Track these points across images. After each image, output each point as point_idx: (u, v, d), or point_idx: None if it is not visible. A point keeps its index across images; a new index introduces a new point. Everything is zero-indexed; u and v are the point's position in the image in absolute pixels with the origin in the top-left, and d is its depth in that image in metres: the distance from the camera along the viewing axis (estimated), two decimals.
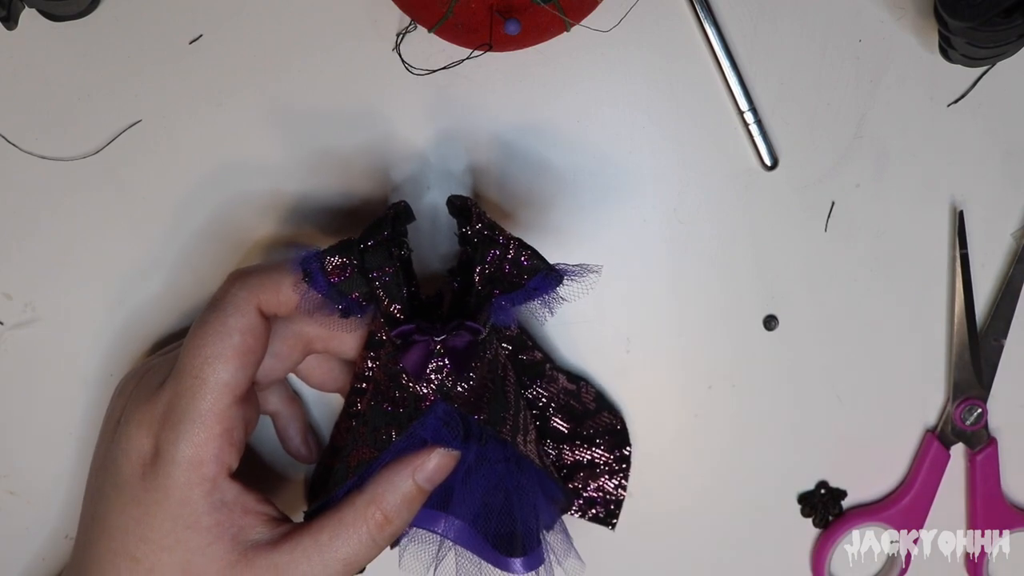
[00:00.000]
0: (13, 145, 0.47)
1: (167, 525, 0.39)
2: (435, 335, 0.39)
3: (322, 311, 0.40)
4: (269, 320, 0.41)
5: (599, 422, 0.48)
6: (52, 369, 0.49)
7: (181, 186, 0.48)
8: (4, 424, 0.49)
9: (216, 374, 0.39)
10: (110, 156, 0.47)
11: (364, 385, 0.44)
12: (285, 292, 0.40)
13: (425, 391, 0.40)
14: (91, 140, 0.47)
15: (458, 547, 0.42)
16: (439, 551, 0.43)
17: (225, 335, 0.39)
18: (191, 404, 0.39)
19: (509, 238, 0.41)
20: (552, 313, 0.41)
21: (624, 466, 0.49)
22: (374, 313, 0.41)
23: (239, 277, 0.41)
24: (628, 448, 0.49)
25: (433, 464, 0.40)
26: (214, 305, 0.41)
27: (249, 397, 0.41)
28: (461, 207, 0.43)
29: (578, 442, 0.48)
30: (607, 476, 0.48)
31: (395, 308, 0.40)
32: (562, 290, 0.41)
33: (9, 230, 0.48)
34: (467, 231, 0.42)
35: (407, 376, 0.40)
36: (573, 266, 0.41)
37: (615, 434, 0.49)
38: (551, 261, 0.41)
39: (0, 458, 0.49)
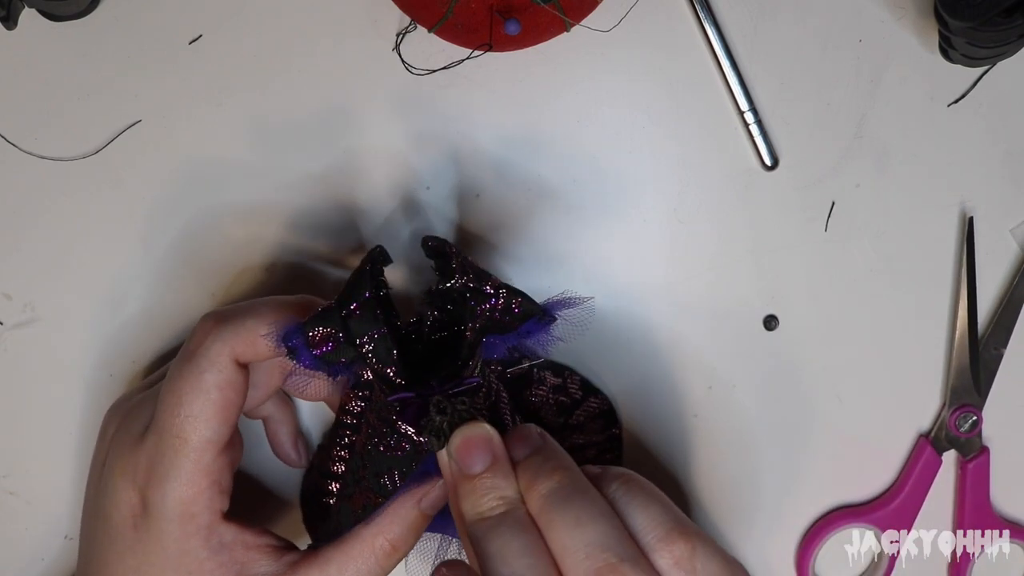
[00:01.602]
0: (13, 145, 0.47)
1: (168, 574, 0.39)
2: (433, 394, 0.38)
3: (310, 380, 0.40)
4: (247, 366, 0.40)
5: (587, 408, 0.49)
6: (52, 369, 0.49)
7: (181, 186, 0.48)
8: (4, 424, 0.49)
9: (198, 433, 0.39)
10: (110, 156, 0.47)
11: (353, 420, 0.43)
12: (260, 343, 0.39)
13: (424, 441, 0.39)
14: (91, 140, 0.47)
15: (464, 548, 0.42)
16: (443, 549, 0.43)
17: (202, 392, 0.39)
18: (175, 462, 0.38)
19: (498, 287, 0.40)
20: (548, 352, 0.41)
21: (615, 445, 0.49)
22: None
23: (213, 327, 0.40)
24: (617, 428, 0.49)
25: (437, 493, 0.40)
26: (188, 358, 0.39)
27: (232, 439, 0.41)
28: (437, 250, 0.41)
29: (567, 432, 0.48)
30: (597, 455, 0.48)
31: (389, 371, 0.39)
32: (556, 330, 0.41)
33: (9, 230, 0.48)
34: (454, 284, 0.40)
35: (406, 427, 0.39)
36: (563, 300, 0.41)
37: (603, 415, 0.49)
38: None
39: (0, 458, 0.49)
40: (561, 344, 0.41)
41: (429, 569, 0.43)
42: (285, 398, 0.48)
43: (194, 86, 0.47)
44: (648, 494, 0.35)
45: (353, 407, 0.43)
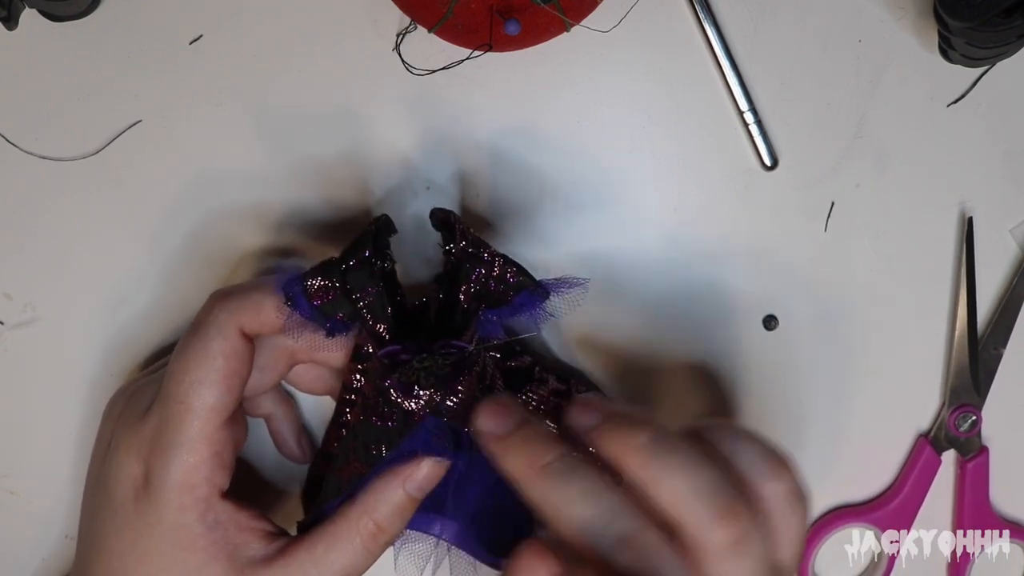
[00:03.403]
0: (13, 145, 0.47)
1: (163, 548, 0.39)
2: (422, 354, 0.39)
3: (307, 333, 0.40)
4: (252, 340, 0.41)
5: None
6: (52, 369, 0.49)
7: (181, 186, 0.48)
8: (4, 424, 0.49)
9: (201, 399, 0.39)
10: (110, 156, 0.47)
11: (352, 397, 0.44)
12: (267, 313, 0.40)
13: (414, 407, 0.39)
14: (91, 140, 0.47)
15: (453, 548, 0.42)
16: (434, 552, 0.43)
17: (208, 360, 0.39)
18: (178, 430, 0.39)
19: (494, 255, 0.41)
20: (540, 328, 0.41)
21: None
22: (360, 327, 0.41)
23: (220, 299, 0.41)
24: None
25: (423, 474, 0.40)
26: (196, 329, 0.40)
27: (236, 417, 0.41)
28: (443, 220, 0.42)
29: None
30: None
31: (381, 328, 0.40)
32: (549, 305, 0.41)
33: (9, 230, 0.48)
34: (451, 248, 0.41)
35: (396, 393, 0.40)
36: (559, 280, 0.41)
37: None
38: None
39: (0, 458, 0.49)
40: (554, 320, 0.42)
41: (419, 572, 0.43)
42: (286, 395, 0.48)
43: (194, 86, 0.47)
44: (749, 431, 0.36)
45: (353, 381, 0.43)
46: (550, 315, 0.42)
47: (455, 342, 0.40)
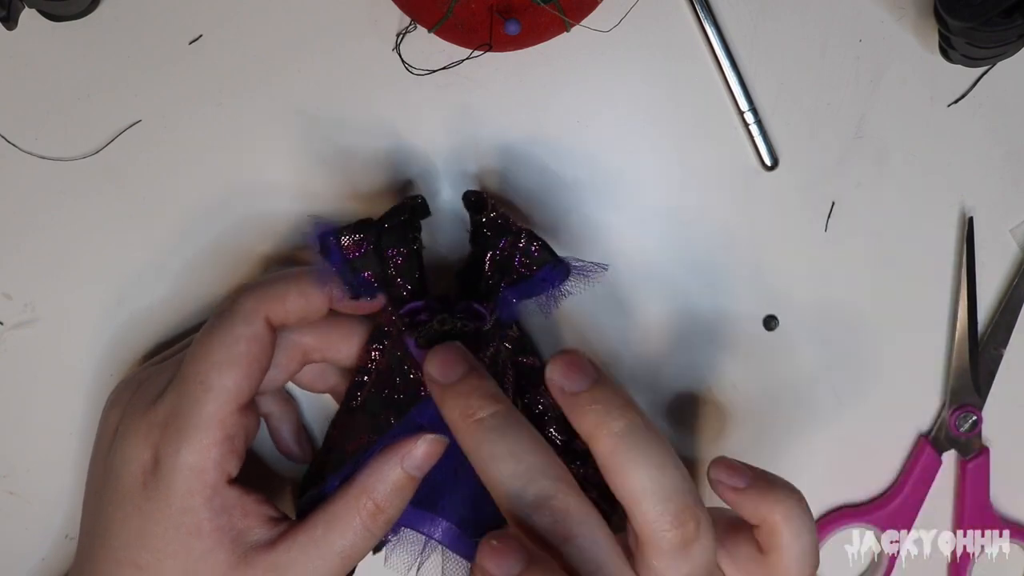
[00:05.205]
0: (13, 145, 0.47)
1: (170, 533, 0.39)
2: (443, 315, 0.40)
3: (334, 284, 0.41)
4: (275, 331, 0.41)
5: None
6: (52, 369, 0.49)
7: (181, 187, 0.48)
8: (4, 424, 0.49)
9: (221, 380, 0.39)
10: (110, 156, 0.47)
11: (365, 378, 0.44)
12: (291, 303, 0.41)
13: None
14: (91, 140, 0.47)
15: (444, 547, 0.42)
16: (423, 549, 0.43)
17: (232, 343, 0.40)
18: (194, 409, 0.39)
19: (520, 229, 0.42)
20: (555, 308, 0.42)
21: None
22: (384, 305, 0.42)
23: (247, 288, 0.41)
24: None
25: (421, 451, 0.40)
26: (221, 314, 0.41)
27: (250, 407, 0.41)
28: (476, 201, 0.44)
29: (568, 457, 0.48)
30: (597, 494, 0.48)
31: (407, 290, 0.41)
32: (567, 284, 0.42)
33: (9, 230, 0.48)
34: (482, 219, 0.43)
35: (411, 356, 0.40)
36: (580, 261, 0.42)
37: None
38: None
39: (0, 458, 0.49)
40: (552, 318, 0.43)
41: (410, 570, 0.43)
42: (287, 395, 0.48)
43: (194, 86, 0.47)
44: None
45: (367, 361, 0.44)
46: (569, 292, 0.42)
47: (476, 306, 0.40)
